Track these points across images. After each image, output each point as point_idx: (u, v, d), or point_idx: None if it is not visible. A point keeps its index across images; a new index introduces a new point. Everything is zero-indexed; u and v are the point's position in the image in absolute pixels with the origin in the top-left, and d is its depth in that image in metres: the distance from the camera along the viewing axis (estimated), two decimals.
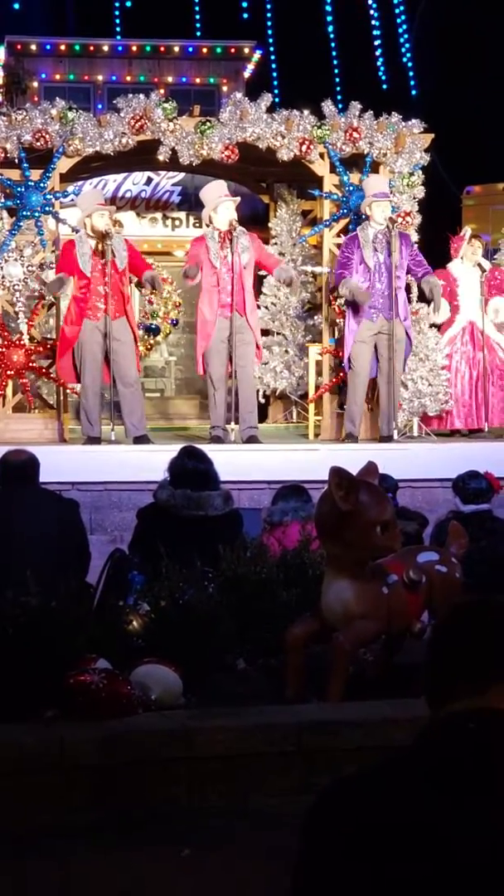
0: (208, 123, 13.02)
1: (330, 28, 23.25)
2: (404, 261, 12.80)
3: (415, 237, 13.44)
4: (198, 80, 19.56)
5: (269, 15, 23.73)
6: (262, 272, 13.96)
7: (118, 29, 22.99)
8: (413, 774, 2.31)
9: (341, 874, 2.24)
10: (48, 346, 12.95)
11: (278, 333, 14.93)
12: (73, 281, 12.44)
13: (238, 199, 12.87)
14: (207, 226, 12.80)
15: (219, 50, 19.72)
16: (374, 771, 2.39)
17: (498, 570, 8.31)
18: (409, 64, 23.15)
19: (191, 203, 17.88)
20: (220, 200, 12.56)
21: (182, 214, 18.13)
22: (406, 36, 23.15)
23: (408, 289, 13.25)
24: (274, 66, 22.79)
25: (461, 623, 2.49)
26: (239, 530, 8.17)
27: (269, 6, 23.57)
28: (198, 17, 23.33)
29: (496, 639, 2.42)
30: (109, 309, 12.20)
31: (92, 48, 19.62)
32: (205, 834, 5.83)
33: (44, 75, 19.29)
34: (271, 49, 22.63)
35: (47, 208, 12.95)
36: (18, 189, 12.86)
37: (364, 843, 2.24)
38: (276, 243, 15.13)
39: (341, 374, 13.29)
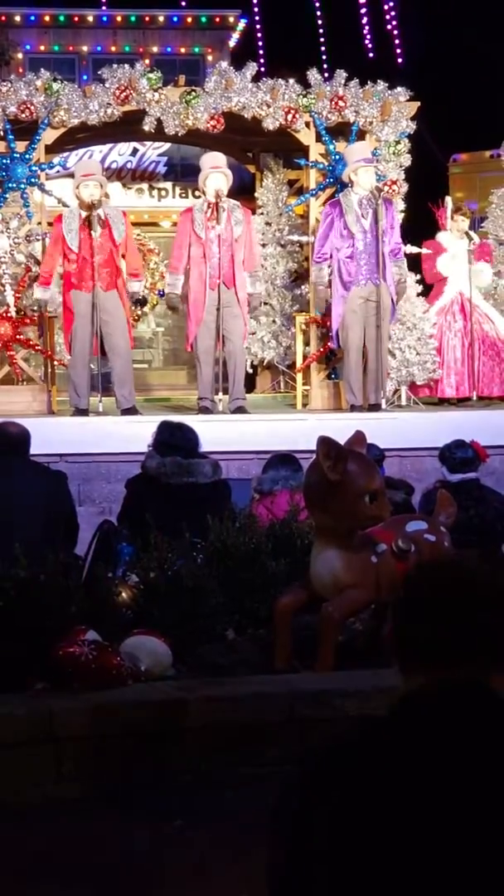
0: (193, 93, 12.96)
1: None
2: (388, 224, 12.75)
3: (401, 206, 13.40)
4: (183, 50, 19.46)
5: None
6: None
7: None
8: (390, 746, 2.27)
9: (312, 845, 2.23)
10: (35, 318, 12.92)
11: (265, 303, 14.90)
12: (60, 254, 12.44)
13: (229, 172, 12.74)
14: (203, 192, 12.76)
15: (203, 19, 19.62)
16: (348, 742, 2.35)
17: (485, 538, 8.32)
18: (395, 32, 23.04)
19: (177, 173, 17.81)
20: (208, 171, 12.52)
21: (168, 185, 18.05)
22: (392, 3, 23.04)
23: None
24: (259, 34, 22.67)
25: (443, 586, 2.37)
26: (227, 500, 8.18)
27: None
28: None
29: (481, 604, 2.33)
30: (99, 280, 12.15)
31: (76, 19, 19.52)
32: (196, 805, 5.84)
33: (28, 46, 19.18)
34: (256, 18, 22.50)
35: (33, 180, 12.90)
36: (4, 161, 12.79)
37: (333, 813, 2.22)
38: (262, 213, 15.07)
39: (328, 344, 13.27)
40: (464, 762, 2.23)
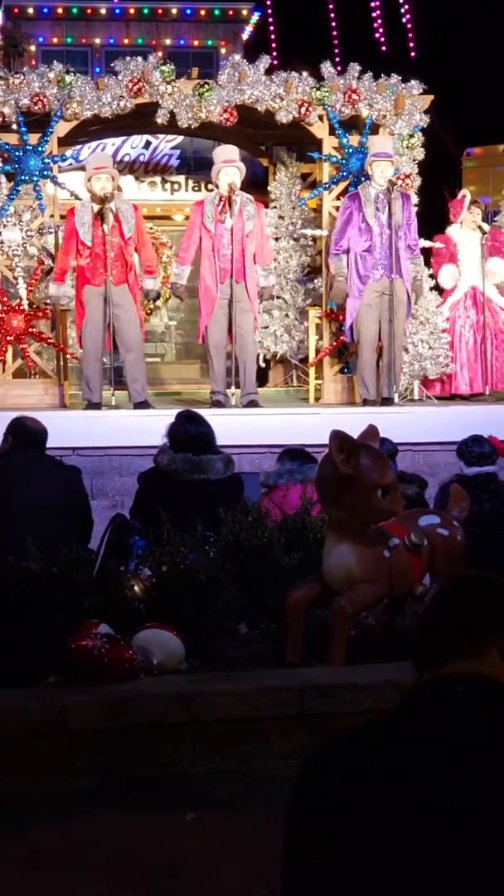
0: (207, 86, 12.94)
1: None
2: (405, 220, 12.73)
3: (415, 199, 13.38)
4: (196, 43, 19.41)
5: None
6: None
7: None
8: (400, 735, 2.35)
9: (328, 834, 2.28)
10: (47, 311, 12.92)
11: (278, 297, 14.87)
12: (74, 249, 12.44)
13: (242, 165, 12.73)
14: (216, 186, 12.76)
15: (217, 12, 19.56)
16: (361, 732, 2.43)
17: (500, 531, 8.32)
18: (409, 25, 23.00)
19: (189, 166, 17.78)
20: (221, 165, 12.51)
21: (181, 178, 18.01)
22: None
23: None
24: (272, 27, 22.63)
25: (462, 592, 2.55)
26: (240, 495, 8.16)
27: None
28: None
29: (494, 609, 2.49)
30: (111, 274, 12.15)
31: (89, 11, 19.47)
32: (209, 798, 5.85)
33: (41, 39, 19.15)
34: (269, 11, 22.46)
35: (45, 172, 12.89)
36: (16, 153, 12.79)
37: (349, 803, 2.28)
38: (275, 206, 15.05)
39: (341, 338, 13.25)
40: (476, 747, 2.30)
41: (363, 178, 13.01)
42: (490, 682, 2.39)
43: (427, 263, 13.79)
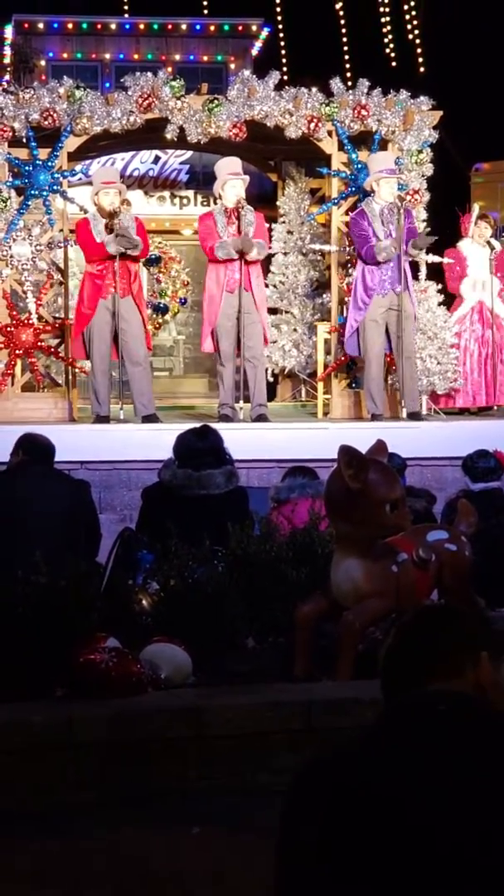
0: (216, 101, 12.97)
1: (338, 4, 23.14)
2: (405, 233, 12.74)
3: (423, 215, 13.40)
4: (205, 58, 19.47)
5: None
6: (272, 251, 13.97)
7: (125, 7, 22.85)
8: (387, 750, 2.43)
9: (317, 847, 2.36)
10: (57, 325, 12.95)
11: (286, 312, 14.90)
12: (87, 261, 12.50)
13: (246, 177, 12.82)
14: (217, 200, 12.79)
15: (226, 27, 19.62)
16: (348, 748, 2.52)
17: None
18: (418, 41, 23.01)
19: (199, 181, 17.83)
20: (227, 178, 12.55)
21: (190, 193, 18.08)
22: (415, 12, 23.01)
23: (416, 266, 13.21)
24: (282, 43, 22.66)
25: (437, 619, 2.72)
26: (243, 507, 8.15)
27: None
28: None
29: (468, 633, 2.65)
30: (117, 287, 12.20)
31: (99, 26, 19.54)
32: (214, 812, 5.84)
33: (51, 54, 19.21)
34: (279, 26, 22.50)
35: (55, 187, 12.92)
36: (26, 168, 12.82)
37: (337, 816, 2.36)
38: (284, 222, 15.08)
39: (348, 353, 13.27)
40: (459, 760, 2.39)
41: (368, 194, 13.01)
42: (469, 700, 2.50)
43: (438, 278, 13.81)
